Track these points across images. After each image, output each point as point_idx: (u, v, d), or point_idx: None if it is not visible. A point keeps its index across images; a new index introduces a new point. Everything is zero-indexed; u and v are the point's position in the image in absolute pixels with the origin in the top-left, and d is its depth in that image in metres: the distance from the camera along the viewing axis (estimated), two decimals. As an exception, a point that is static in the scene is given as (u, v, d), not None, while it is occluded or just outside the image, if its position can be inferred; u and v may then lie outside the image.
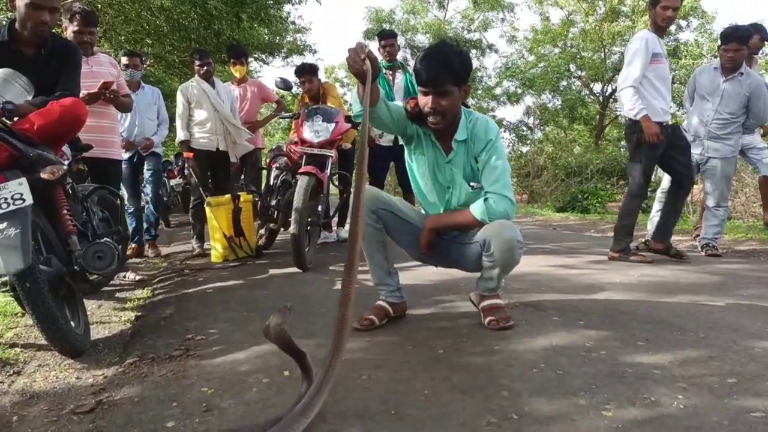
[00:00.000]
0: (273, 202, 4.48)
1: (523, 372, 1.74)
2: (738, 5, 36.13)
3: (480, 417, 1.43)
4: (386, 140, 5.01)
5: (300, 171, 3.87)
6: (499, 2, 20.27)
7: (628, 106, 3.83)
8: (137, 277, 3.73)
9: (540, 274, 3.45)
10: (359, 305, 2.62)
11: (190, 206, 5.00)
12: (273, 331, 1.49)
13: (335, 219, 5.22)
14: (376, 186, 3.92)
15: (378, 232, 2.34)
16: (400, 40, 20.82)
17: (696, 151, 4.37)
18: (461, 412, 1.46)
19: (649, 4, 3.92)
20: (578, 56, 18.72)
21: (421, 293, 2.90)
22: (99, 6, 8.64)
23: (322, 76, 5.38)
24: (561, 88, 19.38)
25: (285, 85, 4.43)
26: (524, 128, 21.56)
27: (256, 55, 13.63)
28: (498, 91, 21.01)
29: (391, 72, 5.02)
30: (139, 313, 2.83)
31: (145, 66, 10.00)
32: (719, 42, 4.35)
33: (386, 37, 5.16)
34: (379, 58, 4.97)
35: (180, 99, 4.73)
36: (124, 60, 4.75)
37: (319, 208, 4.12)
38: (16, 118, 2.21)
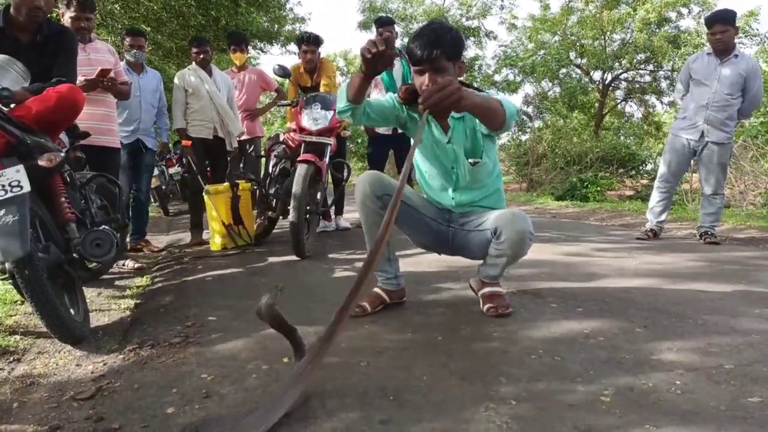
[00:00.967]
0: (272, 191, 4.47)
1: (522, 358, 1.75)
2: (739, -8, 35.80)
3: (479, 403, 1.44)
4: (384, 129, 4.98)
5: (299, 159, 3.86)
6: (498, -12, 20.13)
7: None
8: (136, 265, 3.72)
9: (539, 261, 3.46)
10: (349, 284, 2.61)
11: (189, 194, 4.99)
12: (264, 308, 1.51)
13: (333, 208, 5.20)
14: None
15: (380, 218, 2.33)
16: (398, 29, 20.71)
17: (693, 137, 4.37)
18: (460, 398, 1.47)
19: None
20: (578, 44, 18.60)
21: (421, 280, 2.91)
22: (96, -8, 8.56)
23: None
24: (561, 76, 19.28)
25: (283, 72, 4.39)
26: (524, 116, 21.50)
27: (255, 43, 13.56)
28: (497, 78, 20.90)
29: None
30: (138, 301, 2.84)
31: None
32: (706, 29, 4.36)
33: (384, 24, 5.11)
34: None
35: (177, 86, 4.70)
36: (128, 40, 4.44)
37: (318, 196, 4.12)
38: (12, 105, 2.20)
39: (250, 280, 3.19)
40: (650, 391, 1.47)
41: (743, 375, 1.58)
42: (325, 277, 3.18)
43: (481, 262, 2.35)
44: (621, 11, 17.31)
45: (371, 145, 5.40)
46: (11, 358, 1.98)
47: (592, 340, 1.90)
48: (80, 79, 3.19)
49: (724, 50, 4.22)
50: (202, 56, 4.66)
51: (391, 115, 2.28)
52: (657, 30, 16.82)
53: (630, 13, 17.03)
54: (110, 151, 3.69)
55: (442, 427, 1.32)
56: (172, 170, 9.27)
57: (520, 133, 20.21)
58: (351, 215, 5.56)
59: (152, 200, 8.75)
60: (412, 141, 2.35)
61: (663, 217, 4.65)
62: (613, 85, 19.33)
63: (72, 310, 2.19)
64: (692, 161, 4.78)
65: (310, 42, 4.90)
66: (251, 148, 5.53)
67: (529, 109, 20.22)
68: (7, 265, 1.87)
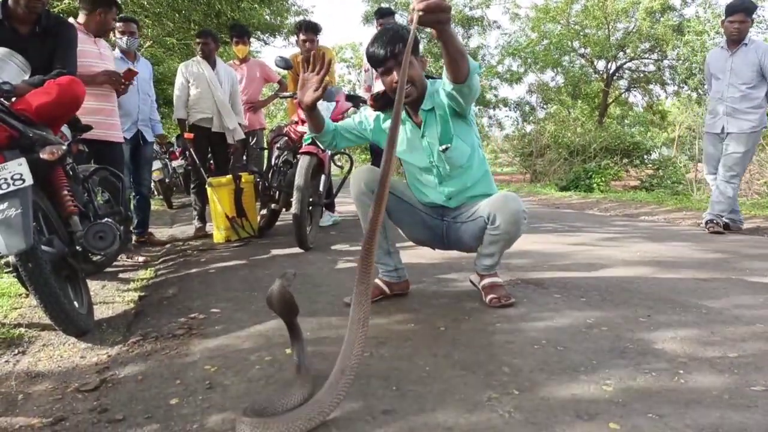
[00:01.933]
0: (274, 183, 4.46)
1: (524, 348, 1.75)
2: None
3: (481, 393, 1.44)
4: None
5: (301, 151, 3.85)
6: (502, -22, 19.95)
7: None
8: (141, 258, 3.74)
9: (542, 252, 3.45)
10: (352, 275, 2.63)
11: (192, 187, 4.99)
12: (277, 289, 1.53)
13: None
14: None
15: None
16: (403, 20, 20.58)
17: (716, 131, 4.39)
18: (463, 388, 1.47)
19: None
20: (581, 33, 18.48)
21: (423, 271, 2.91)
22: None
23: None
24: (564, 65, 19.17)
25: (285, 63, 4.37)
26: (527, 107, 21.40)
27: (258, 35, 13.51)
28: (500, 68, 20.79)
29: None
30: (142, 293, 2.85)
31: (144, 47, 9.93)
32: (724, 15, 4.31)
33: (385, 15, 5.08)
34: None
35: (179, 77, 4.70)
36: (119, 26, 4.23)
37: (321, 187, 4.11)
38: (14, 99, 2.19)
39: (253, 272, 3.19)
40: (653, 381, 1.47)
41: (747, 364, 1.57)
42: (329, 269, 3.18)
43: (476, 255, 2.35)
44: (624, 0, 17.17)
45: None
46: (16, 351, 1.99)
47: (595, 330, 1.90)
48: (105, 68, 3.29)
49: (737, 40, 4.21)
50: (201, 46, 4.64)
51: (358, 131, 2.42)
52: (661, 18, 16.68)
53: (634, 2, 16.89)
54: (112, 146, 3.69)
55: (444, 417, 1.32)
56: (175, 163, 9.28)
57: (524, 123, 20.16)
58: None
59: (155, 193, 8.77)
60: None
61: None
62: (617, 74, 19.20)
63: (76, 303, 2.20)
64: None
65: (308, 30, 4.86)
66: (254, 141, 5.52)
67: (533, 99, 20.13)
68: (11, 258, 1.88)
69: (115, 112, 3.77)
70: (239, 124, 4.87)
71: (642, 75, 19.14)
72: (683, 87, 17.41)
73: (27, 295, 2.67)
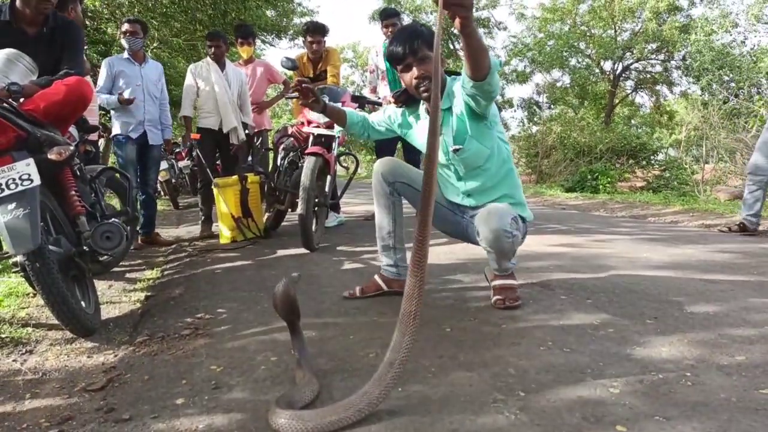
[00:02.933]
0: (280, 183, 4.47)
1: (530, 350, 1.74)
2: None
3: (487, 394, 1.43)
4: None
5: (307, 152, 3.86)
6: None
7: None
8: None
9: (548, 253, 3.44)
10: (358, 275, 2.65)
11: (198, 188, 5.00)
12: (282, 290, 1.57)
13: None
14: None
15: (390, 205, 2.40)
16: (409, 21, 20.57)
17: None
18: (468, 389, 1.47)
19: None
20: (588, 33, 18.43)
21: (430, 272, 2.90)
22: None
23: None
24: (571, 65, 19.11)
25: (291, 64, 4.39)
26: (534, 107, 21.36)
27: (263, 36, 13.55)
28: (507, 69, 20.77)
29: None
30: (148, 293, 2.86)
31: (150, 48, 9.97)
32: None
33: (389, 15, 5.08)
34: (383, 39, 4.92)
35: (188, 77, 4.74)
36: (125, 27, 4.32)
37: (327, 188, 4.12)
38: (22, 99, 2.21)
39: (260, 272, 3.20)
40: (660, 383, 1.46)
41: (755, 367, 1.56)
42: (334, 269, 3.18)
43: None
44: (632, 0, 17.11)
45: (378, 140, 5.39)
46: (23, 350, 2.00)
47: (602, 332, 1.89)
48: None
49: None
50: (213, 49, 4.67)
51: (387, 124, 2.50)
52: (667, 18, 16.61)
53: (641, 2, 16.83)
54: None
55: (450, 419, 1.31)
56: (181, 164, 9.32)
57: (530, 124, 20.11)
58: (363, 207, 5.55)
59: (161, 194, 8.81)
60: (413, 137, 2.40)
61: None
62: (623, 75, 19.13)
63: (83, 303, 2.22)
64: None
65: (316, 32, 4.87)
66: (259, 141, 5.53)
67: (540, 99, 20.07)
68: (19, 258, 1.90)
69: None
70: (247, 125, 4.89)
71: (649, 76, 19.07)
72: (692, 87, 17.32)
73: (34, 295, 2.69)
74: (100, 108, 4.74)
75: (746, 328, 1.90)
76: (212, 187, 4.43)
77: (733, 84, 13.39)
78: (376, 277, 2.51)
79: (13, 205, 1.89)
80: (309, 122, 4.09)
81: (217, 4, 9.77)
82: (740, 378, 1.49)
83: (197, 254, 3.95)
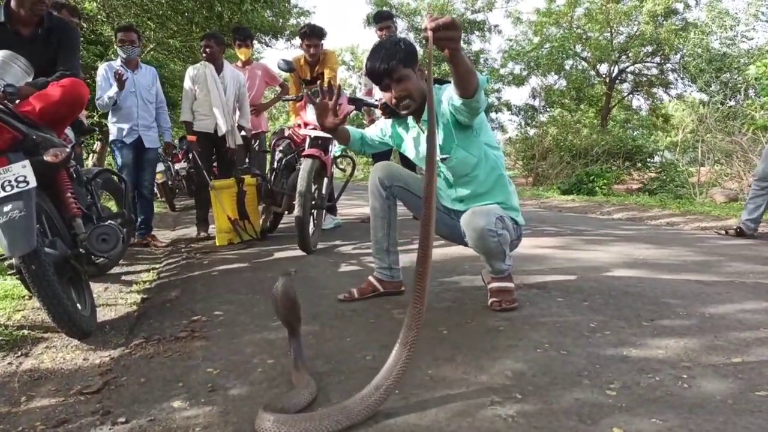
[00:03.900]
0: (277, 186, 4.47)
1: (527, 352, 1.75)
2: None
3: (484, 397, 1.43)
4: None
5: (303, 154, 3.86)
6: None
7: None
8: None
9: (544, 255, 3.45)
10: (355, 278, 2.65)
11: (194, 190, 5.00)
12: (281, 287, 1.56)
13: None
14: None
15: (386, 209, 2.42)
16: (403, 24, 20.60)
17: None
18: (465, 392, 1.47)
19: None
20: (584, 36, 18.48)
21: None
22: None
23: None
24: (567, 69, 19.17)
25: (288, 66, 4.38)
26: (530, 110, 21.40)
27: (260, 37, 13.54)
28: (503, 72, 20.81)
29: None
30: (145, 296, 2.85)
31: (147, 50, 9.96)
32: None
33: (383, 18, 5.09)
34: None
35: (186, 80, 4.75)
36: (120, 35, 4.38)
37: (323, 190, 4.12)
38: (17, 101, 2.20)
39: (256, 275, 3.19)
40: (657, 385, 1.47)
41: (751, 369, 1.56)
42: (331, 271, 3.18)
43: None
44: (628, 4, 17.17)
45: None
46: (19, 353, 1.99)
47: (598, 334, 1.90)
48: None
49: None
50: (208, 50, 4.65)
51: (380, 137, 2.53)
52: (664, 21, 16.68)
53: (637, 6, 16.89)
54: None
55: (447, 421, 1.31)
56: (178, 166, 9.30)
57: (527, 127, 20.16)
58: (359, 210, 5.55)
59: (158, 196, 8.79)
60: (404, 148, 2.44)
61: None
62: (620, 78, 19.19)
63: (79, 305, 2.20)
64: None
65: (313, 35, 4.87)
66: (256, 143, 5.53)
67: (536, 102, 20.12)
68: (14, 260, 1.89)
69: None
70: (244, 128, 4.88)
71: (645, 78, 19.13)
72: (689, 88, 17.39)
73: (30, 297, 2.68)
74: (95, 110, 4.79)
75: (741, 330, 1.91)
76: (209, 189, 4.42)
77: (729, 85, 13.47)
78: (372, 279, 2.52)
79: (9, 207, 1.88)
80: (306, 124, 4.09)
81: (212, 6, 9.76)
82: (736, 380, 1.49)
83: (194, 256, 3.94)
